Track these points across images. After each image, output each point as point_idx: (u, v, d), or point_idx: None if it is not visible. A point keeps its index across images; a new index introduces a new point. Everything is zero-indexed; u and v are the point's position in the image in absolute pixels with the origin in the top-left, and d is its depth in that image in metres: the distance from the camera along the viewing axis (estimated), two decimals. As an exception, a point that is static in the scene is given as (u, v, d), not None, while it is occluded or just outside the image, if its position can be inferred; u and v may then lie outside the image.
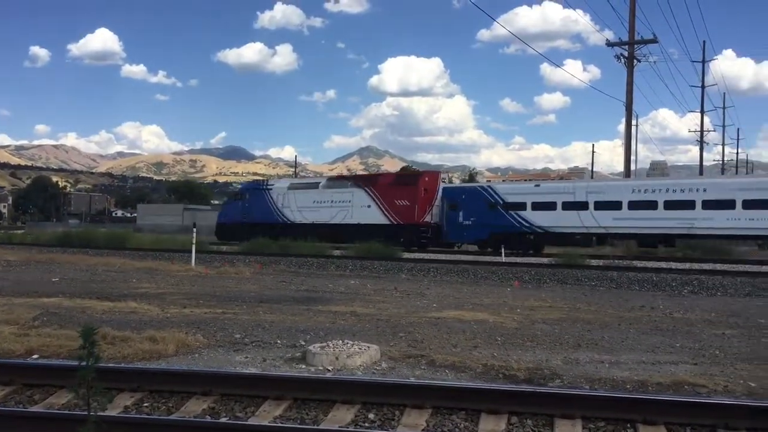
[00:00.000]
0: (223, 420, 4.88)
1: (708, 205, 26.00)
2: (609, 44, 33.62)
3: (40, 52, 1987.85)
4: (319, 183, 38.15)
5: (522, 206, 30.00)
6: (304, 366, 6.75)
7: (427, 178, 34.12)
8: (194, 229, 23.60)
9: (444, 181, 37.60)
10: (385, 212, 33.43)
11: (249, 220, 37.53)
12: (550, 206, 29.28)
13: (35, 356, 7.09)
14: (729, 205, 25.64)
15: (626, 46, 33.10)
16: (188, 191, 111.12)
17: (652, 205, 27.04)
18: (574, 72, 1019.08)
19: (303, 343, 7.98)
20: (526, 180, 62.26)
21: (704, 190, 26.49)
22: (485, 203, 30.85)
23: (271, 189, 38.23)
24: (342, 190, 35.69)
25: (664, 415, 4.44)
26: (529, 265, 21.06)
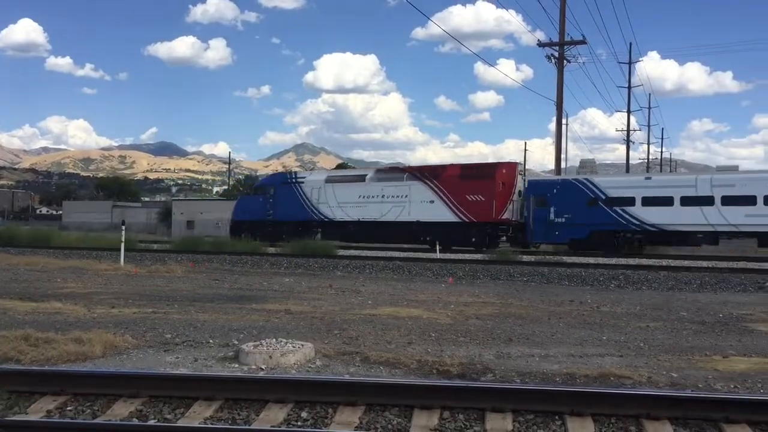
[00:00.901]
0: (151, 422, 4.76)
1: None
2: (540, 45, 34.34)
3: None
4: (366, 175, 33.14)
5: (629, 201, 26.61)
6: (237, 365, 6.65)
7: (504, 170, 29.66)
8: (123, 227, 22.99)
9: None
10: (453, 208, 29.39)
11: (275, 218, 33.70)
12: (665, 201, 25.94)
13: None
14: None
15: (557, 47, 33.89)
16: (117, 188, 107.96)
17: None
18: (508, 71, 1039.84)
19: (236, 342, 7.86)
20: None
21: None
22: (583, 198, 27.38)
23: (302, 182, 33.93)
24: (396, 183, 31.22)
25: (590, 407, 4.57)
26: (463, 262, 21.33)
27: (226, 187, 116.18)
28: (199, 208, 61.72)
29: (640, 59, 72.15)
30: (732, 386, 6.12)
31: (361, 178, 32.74)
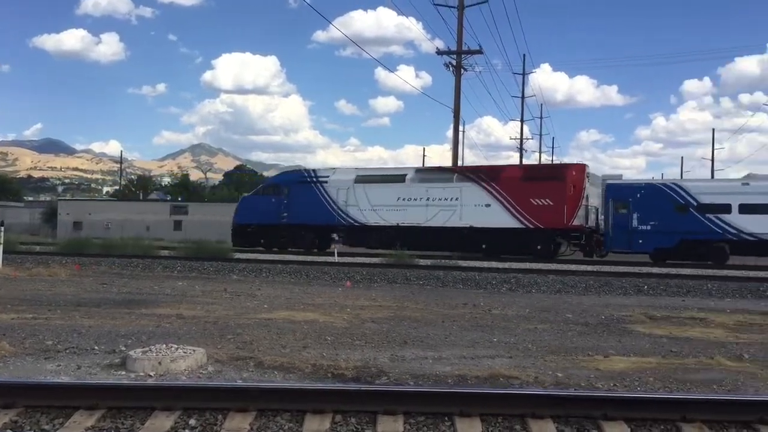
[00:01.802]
0: (27, 434, 4.50)
1: None
2: (439, 53, 35.06)
3: None
4: (405, 175, 29.84)
5: (725, 209, 24.97)
6: (123, 372, 6.40)
7: (574, 172, 27.41)
8: (2, 228, 21.65)
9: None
10: (515, 213, 26.93)
11: (291, 221, 30.24)
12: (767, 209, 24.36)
13: None
14: None
15: (454, 56, 34.69)
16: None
17: None
18: (407, 78, 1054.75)
19: (123, 348, 7.56)
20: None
21: None
22: (671, 204, 25.65)
23: (325, 181, 30.45)
24: (444, 184, 28.45)
25: (478, 407, 4.69)
26: (361, 265, 21.43)
27: (117, 187, 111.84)
28: (87, 208, 59.00)
29: (534, 71, 75.13)
30: (612, 384, 6.45)
31: (400, 178, 29.59)
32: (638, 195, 26.26)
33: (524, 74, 56.97)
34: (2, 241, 20.86)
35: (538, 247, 26.73)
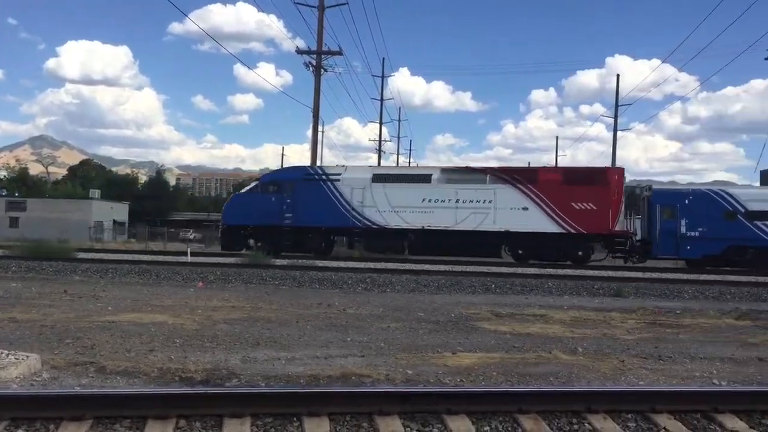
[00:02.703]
0: None
1: None
2: (299, 52, 34.89)
3: None
4: (431, 175, 27.64)
5: None
6: (-58, 383, 5.84)
7: (616, 176, 26.43)
8: None
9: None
10: (555, 217, 25.74)
11: (296, 223, 27.51)
12: None
13: None
14: None
15: (314, 56, 34.68)
16: None
17: None
18: (267, 76, 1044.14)
19: (-57, 356, 6.90)
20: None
21: None
22: (719, 211, 25.48)
23: (336, 179, 27.74)
24: (476, 186, 26.60)
25: (327, 406, 4.70)
26: (215, 265, 20.87)
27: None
28: None
29: (392, 74, 76.96)
30: (458, 380, 6.71)
31: (425, 178, 27.45)
32: (686, 201, 26.16)
33: (383, 77, 57.97)
34: None
35: (579, 253, 26.16)
